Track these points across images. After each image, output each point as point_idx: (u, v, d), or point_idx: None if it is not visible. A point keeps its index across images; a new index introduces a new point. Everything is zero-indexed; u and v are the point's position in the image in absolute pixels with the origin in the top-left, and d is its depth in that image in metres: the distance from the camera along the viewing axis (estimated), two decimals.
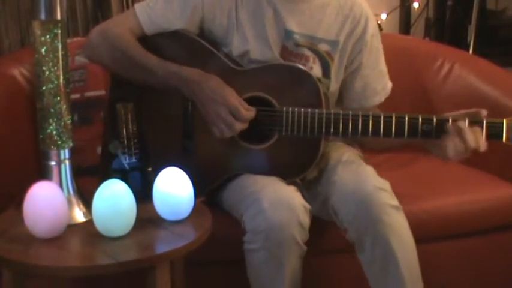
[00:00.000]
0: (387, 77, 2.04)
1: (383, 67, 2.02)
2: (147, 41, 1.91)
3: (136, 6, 1.93)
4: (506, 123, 1.72)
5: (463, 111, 1.76)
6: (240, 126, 1.80)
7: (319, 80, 1.90)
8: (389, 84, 2.04)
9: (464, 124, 1.71)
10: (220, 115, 1.79)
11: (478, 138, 1.71)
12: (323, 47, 1.93)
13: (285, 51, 1.92)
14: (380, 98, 2.02)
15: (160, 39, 1.92)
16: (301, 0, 1.90)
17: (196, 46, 1.92)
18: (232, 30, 1.91)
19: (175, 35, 1.92)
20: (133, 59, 1.86)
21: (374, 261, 1.72)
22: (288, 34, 1.91)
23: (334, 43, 1.93)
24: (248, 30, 1.91)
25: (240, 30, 1.91)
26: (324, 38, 1.93)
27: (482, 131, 1.72)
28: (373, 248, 1.71)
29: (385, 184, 1.77)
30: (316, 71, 1.92)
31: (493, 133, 1.72)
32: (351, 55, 1.96)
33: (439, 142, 1.75)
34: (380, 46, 2.01)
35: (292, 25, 1.91)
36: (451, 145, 1.72)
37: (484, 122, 1.72)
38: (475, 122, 1.72)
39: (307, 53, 1.92)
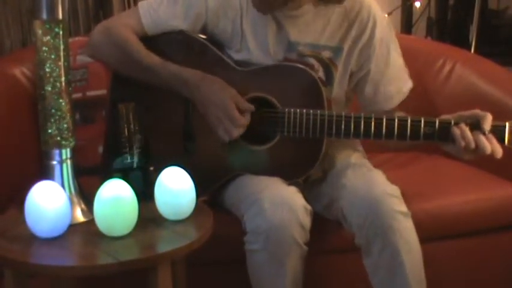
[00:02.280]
0: (404, 78, 1.98)
1: (396, 70, 1.96)
2: (150, 39, 1.91)
3: (140, 6, 1.92)
4: (509, 126, 1.72)
5: (463, 112, 1.75)
6: (237, 132, 1.80)
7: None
8: (407, 87, 1.98)
9: (466, 129, 1.70)
10: (219, 118, 1.80)
11: (492, 145, 1.70)
12: (326, 54, 1.91)
13: (288, 62, 1.90)
14: (393, 102, 1.96)
15: (164, 38, 1.92)
16: (304, 11, 1.88)
17: (199, 46, 1.92)
18: (236, 39, 1.91)
19: (179, 35, 1.92)
20: (135, 58, 1.86)
21: (380, 267, 1.72)
22: (291, 46, 1.89)
23: (337, 49, 1.91)
24: (251, 41, 1.90)
25: (244, 41, 1.90)
26: (327, 44, 1.90)
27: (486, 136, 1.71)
28: (380, 253, 1.71)
29: (395, 190, 1.77)
30: (320, 77, 1.90)
31: (495, 136, 1.71)
32: (359, 61, 1.93)
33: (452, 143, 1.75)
34: (392, 50, 1.95)
35: (296, 36, 1.89)
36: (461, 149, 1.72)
37: (486, 130, 1.71)
38: (474, 127, 1.71)
39: (312, 61, 1.90)
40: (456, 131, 1.71)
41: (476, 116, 1.72)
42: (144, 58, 1.86)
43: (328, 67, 1.91)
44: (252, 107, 1.81)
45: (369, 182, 1.80)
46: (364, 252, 1.75)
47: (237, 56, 1.91)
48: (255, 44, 1.90)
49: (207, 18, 1.90)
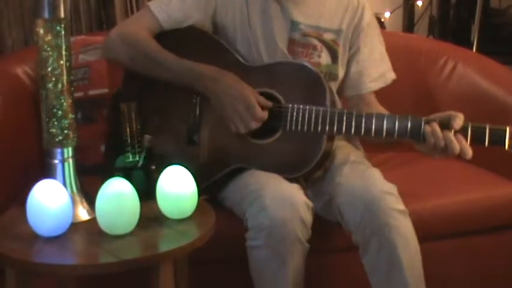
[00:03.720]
0: (386, 65, 2.06)
1: (379, 55, 2.05)
2: (161, 37, 1.96)
3: (151, 4, 1.98)
4: (509, 131, 1.71)
5: (438, 114, 1.76)
6: (255, 125, 1.83)
7: (329, 66, 1.98)
8: (390, 75, 2.06)
9: (437, 127, 1.71)
10: (238, 110, 1.82)
11: (461, 145, 1.69)
12: (328, 36, 1.98)
13: (292, 44, 1.97)
14: (377, 84, 2.04)
15: (174, 35, 1.97)
16: None
17: (209, 41, 1.97)
18: (244, 25, 1.96)
19: (189, 31, 1.97)
20: (150, 55, 1.91)
21: (378, 265, 1.72)
22: (294, 25, 1.96)
23: (338, 32, 2.00)
24: (258, 26, 1.95)
25: (251, 26, 1.95)
26: (328, 27, 1.98)
27: (467, 137, 1.70)
28: (378, 251, 1.72)
29: (392, 188, 1.78)
30: (325, 58, 1.98)
31: (496, 139, 1.70)
32: (351, 41, 2.02)
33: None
34: (376, 35, 2.05)
35: (298, 16, 1.96)
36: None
37: (469, 126, 1.70)
38: (446, 126, 1.71)
39: (315, 42, 1.97)
40: (427, 128, 1.72)
41: (449, 116, 1.73)
42: (158, 54, 1.91)
43: (332, 47, 1.99)
44: (269, 103, 1.84)
45: (365, 180, 1.80)
46: (361, 250, 1.76)
47: (243, 48, 1.95)
48: (262, 29, 1.95)
49: (217, 6, 1.96)
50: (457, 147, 1.69)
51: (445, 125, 1.71)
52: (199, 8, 1.97)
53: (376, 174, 1.84)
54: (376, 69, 2.04)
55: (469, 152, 1.70)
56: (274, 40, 1.95)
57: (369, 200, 1.73)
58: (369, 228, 1.72)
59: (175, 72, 1.88)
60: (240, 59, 1.93)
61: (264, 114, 1.83)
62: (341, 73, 2.01)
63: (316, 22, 1.98)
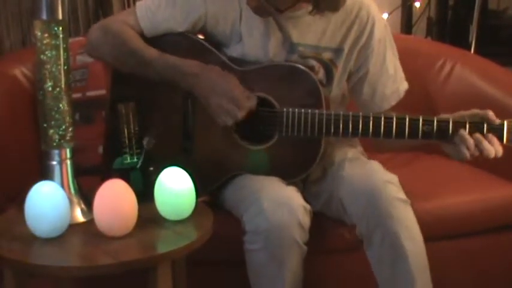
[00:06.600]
0: (399, 79, 1.97)
1: (392, 70, 1.95)
2: (148, 38, 1.91)
3: (138, 7, 1.91)
4: (507, 125, 1.72)
5: (463, 112, 1.76)
6: (241, 114, 1.79)
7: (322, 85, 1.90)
8: (403, 86, 1.98)
9: (465, 132, 1.72)
10: (222, 105, 1.79)
11: (495, 146, 1.71)
12: (326, 55, 1.91)
13: None
14: (389, 102, 1.96)
15: (162, 38, 1.91)
16: (305, 12, 1.86)
17: (198, 46, 1.92)
18: (235, 39, 1.91)
19: (177, 35, 1.91)
20: (133, 51, 1.86)
21: (383, 256, 1.72)
22: (293, 48, 1.90)
23: (338, 51, 1.91)
24: (249, 42, 1.89)
25: (241, 43, 1.90)
26: (328, 46, 1.91)
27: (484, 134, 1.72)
28: (382, 242, 1.72)
29: (393, 178, 1.78)
30: (320, 78, 1.91)
31: (494, 134, 1.72)
32: (357, 62, 1.93)
33: (452, 145, 1.75)
34: (389, 50, 1.95)
35: (298, 38, 1.89)
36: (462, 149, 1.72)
37: (485, 125, 1.72)
38: (475, 124, 1.72)
39: (313, 62, 1.90)
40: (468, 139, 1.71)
41: (478, 115, 1.73)
42: (141, 50, 1.85)
43: (329, 67, 1.92)
44: (254, 97, 1.81)
45: (367, 171, 1.81)
46: (365, 242, 1.76)
47: (235, 55, 1.91)
48: (254, 45, 1.90)
49: (206, 21, 1.90)
50: (492, 152, 1.71)
51: (477, 126, 1.72)
52: (187, 24, 1.89)
53: (376, 165, 1.84)
54: (390, 86, 1.95)
55: (501, 150, 1.72)
56: (267, 58, 1.89)
57: (371, 191, 1.73)
58: (372, 220, 1.72)
59: (159, 69, 1.83)
60: (230, 63, 1.88)
61: (252, 103, 1.80)
62: (334, 92, 1.94)
63: (317, 42, 1.90)
